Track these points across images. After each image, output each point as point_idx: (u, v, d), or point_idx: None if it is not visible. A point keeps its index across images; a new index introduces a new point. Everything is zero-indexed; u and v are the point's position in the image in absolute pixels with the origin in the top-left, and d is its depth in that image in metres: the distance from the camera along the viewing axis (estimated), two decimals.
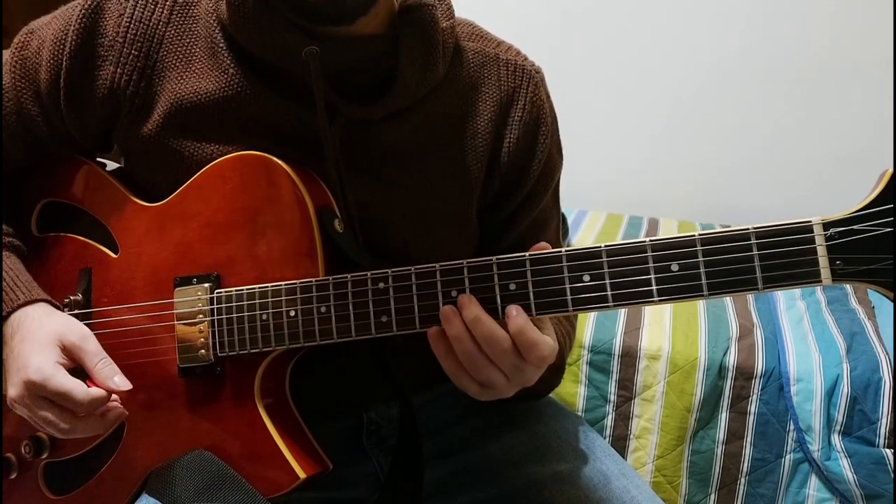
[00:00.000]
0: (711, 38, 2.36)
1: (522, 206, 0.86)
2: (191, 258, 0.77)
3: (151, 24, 0.79)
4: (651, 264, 0.64)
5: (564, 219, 1.81)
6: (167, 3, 0.79)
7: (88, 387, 0.72)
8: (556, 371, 0.85)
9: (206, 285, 0.76)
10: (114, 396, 0.74)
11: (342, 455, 0.82)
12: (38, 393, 0.71)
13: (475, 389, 0.70)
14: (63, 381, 0.71)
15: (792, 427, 1.51)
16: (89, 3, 0.79)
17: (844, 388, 1.49)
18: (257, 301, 0.74)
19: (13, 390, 0.72)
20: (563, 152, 0.91)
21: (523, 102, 0.84)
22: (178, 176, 0.78)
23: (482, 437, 0.88)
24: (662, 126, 2.46)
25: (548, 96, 0.88)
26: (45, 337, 0.74)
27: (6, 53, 0.83)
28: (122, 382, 0.73)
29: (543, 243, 0.68)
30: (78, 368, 0.74)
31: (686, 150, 2.46)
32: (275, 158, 0.75)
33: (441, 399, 0.90)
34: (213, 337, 0.75)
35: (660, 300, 0.64)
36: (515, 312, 0.66)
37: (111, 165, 0.87)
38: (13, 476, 0.84)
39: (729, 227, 0.64)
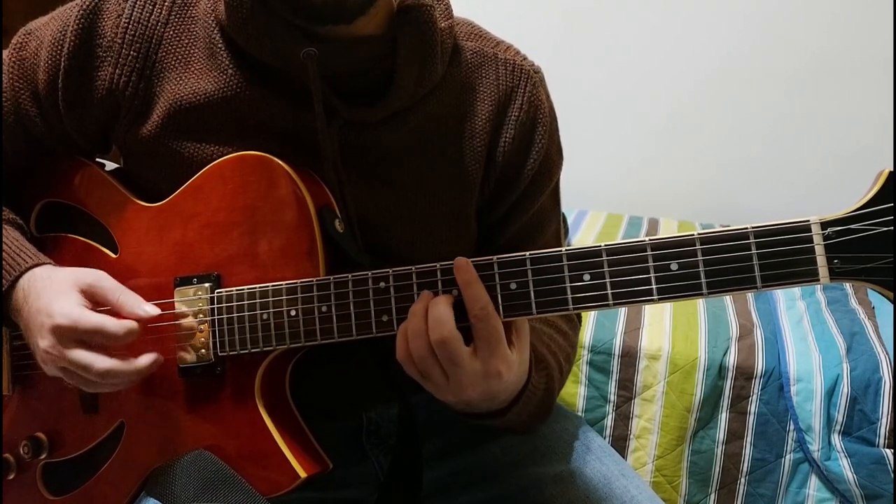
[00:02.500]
0: (711, 39, 2.36)
1: (516, 207, 0.86)
2: (191, 258, 0.78)
3: (150, 24, 0.79)
4: (651, 263, 0.65)
5: (564, 219, 1.81)
6: (165, 3, 0.79)
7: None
8: (537, 419, 0.82)
9: (207, 285, 0.76)
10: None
11: (342, 455, 0.82)
12: (70, 336, 0.70)
13: (416, 374, 0.70)
14: (92, 317, 0.71)
15: (792, 427, 1.51)
16: (87, 3, 0.79)
17: (844, 388, 1.49)
18: (258, 301, 0.74)
19: (43, 342, 0.71)
20: (564, 153, 0.91)
21: (520, 102, 0.84)
22: (178, 176, 0.79)
23: (482, 437, 0.88)
24: (662, 126, 2.46)
25: (547, 96, 0.88)
26: (61, 285, 0.73)
27: (4, 54, 0.83)
28: (150, 308, 0.73)
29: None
30: (100, 306, 0.73)
31: (686, 149, 2.46)
32: (275, 158, 0.75)
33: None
34: (214, 336, 0.75)
35: (659, 299, 0.64)
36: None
37: (110, 166, 0.87)
38: (11, 477, 0.84)
39: (728, 226, 0.64)
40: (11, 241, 0.79)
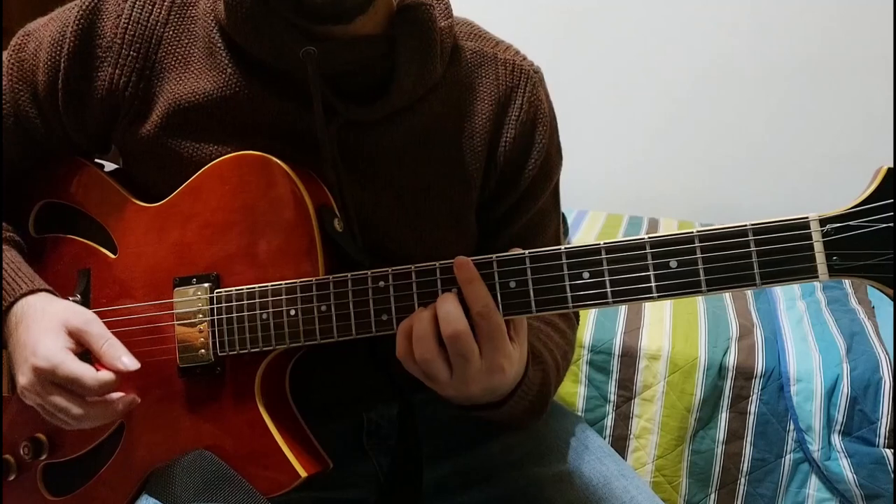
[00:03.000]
0: (711, 38, 2.37)
1: (517, 207, 0.86)
2: (190, 258, 0.78)
3: (149, 25, 0.79)
4: (650, 261, 0.65)
5: (564, 219, 1.81)
6: (165, 4, 0.80)
7: (98, 370, 0.72)
8: (532, 415, 0.82)
9: (206, 285, 0.76)
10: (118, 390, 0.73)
11: (342, 455, 0.82)
12: (49, 379, 0.71)
13: (419, 374, 0.70)
14: (72, 366, 0.71)
15: (792, 427, 1.51)
16: (87, 4, 0.79)
17: (844, 388, 1.49)
18: (257, 300, 0.74)
19: (23, 378, 0.72)
20: (564, 153, 0.91)
21: (521, 102, 0.84)
22: (177, 176, 0.79)
23: (482, 437, 0.88)
24: (662, 126, 2.46)
25: (547, 96, 0.88)
26: (50, 323, 0.73)
27: (3, 55, 0.83)
28: (129, 363, 0.72)
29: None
30: (86, 353, 0.73)
31: (686, 149, 2.47)
32: (273, 158, 0.75)
33: (441, 399, 0.90)
34: (213, 336, 0.75)
35: (659, 296, 0.64)
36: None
37: (109, 166, 0.87)
38: (12, 478, 0.83)
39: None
40: (9, 263, 0.79)
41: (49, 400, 0.71)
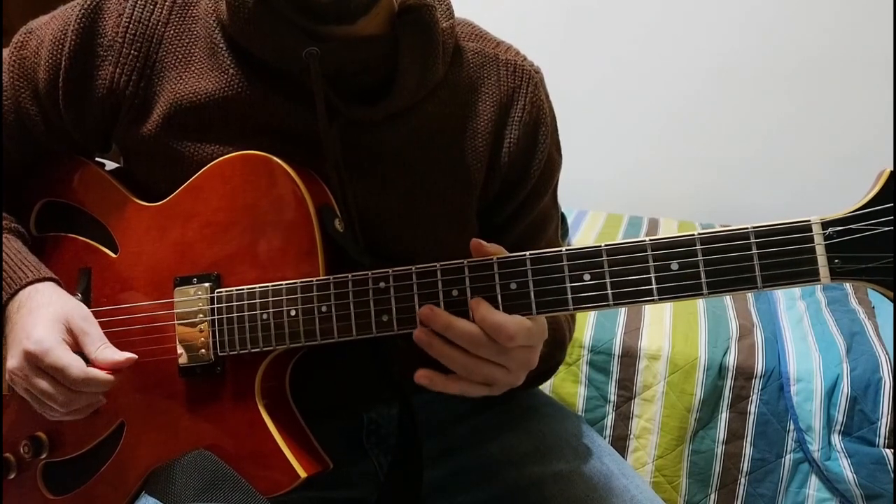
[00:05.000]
0: (711, 39, 2.36)
1: (522, 207, 0.86)
2: (191, 258, 0.78)
3: (151, 24, 0.79)
4: (651, 263, 0.65)
5: (564, 218, 1.81)
6: (166, 3, 0.80)
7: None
8: (555, 346, 0.85)
9: (207, 285, 0.76)
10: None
11: (342, 455, 0.82)
12: (37, 364, 0.71)
13: (482, 390, 0.71)
14: (61, 355, 0.71)
15: (792, 427, 1.51)
16: (88, 3, 0.79)
17: (844, 388, 1.49)
18: (258, 300, 0.74)
19: (12, 361, 0.72)
20: (564, 153, 0.91)
21: (523, 102, 0.84)
22: (178, 175, 0.79)
23: (482, 437, 0.88)
24: (662, 126, 2.46)
25: (547, 96, 0.88)
26: (52, 313, 0.74)
27: (4, 53, 0.83)
28: (112, 376, 0.72)
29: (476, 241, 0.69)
30: (79, 351, 0.73)
31: (686, 150, 2.46)
32: (274, 158, 0.75)
33: (441, 399, 0.90)
34: (214, 336, 0.75)
35: (660, 299, 0.64)
36: (475, 304, 0.67)
37: (110, 165, 0.87)
38: (12, 476, 0.83)
39: (728, 226, 0.64)
40: (14, 253, 0.79)
41: (35, 384, 0.72)
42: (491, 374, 0.69)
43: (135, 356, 0.74)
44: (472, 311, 0.67)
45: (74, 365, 0.71)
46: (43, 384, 0.71)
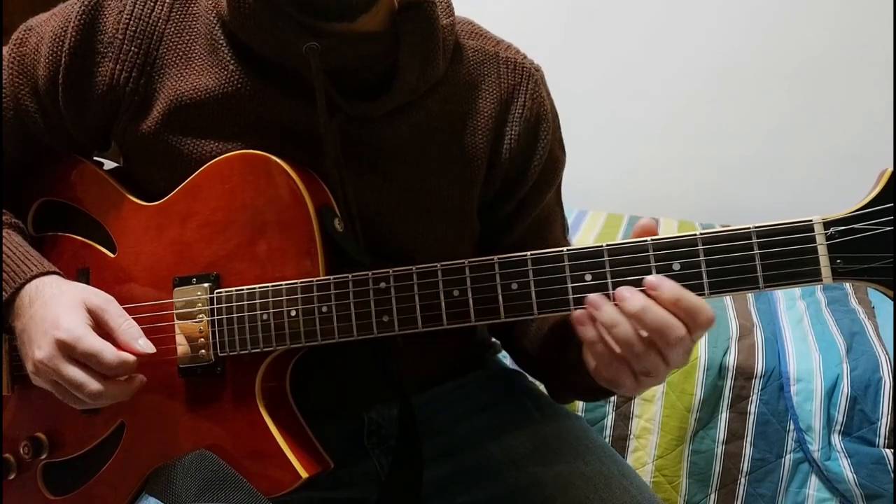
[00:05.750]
0: (712, 38, 2.36)
1: (524, 204, 0.86)
2: (190, 257, 0.77)
3: (151, 21, 0.79)
4: (652, 263, 0.64)
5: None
6: (167, 0, 0.79)
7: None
8: None
9: (206, 285, 0.76)
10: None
11: (343, 455, 0.82)
12: (69, 353, 0.70)
13: (630, 383, 0.66)
14: (94, 341, 0.70)
15: (792, 427, 1.51)
16: (89, 0, 0.79)
17: (844, 388, 1.48)
18: (258, 301, 0.74)
19: (40, 352, 0.71)
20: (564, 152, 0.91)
21: (524, 99, 0.84)
22: (177, 174, 0.78)
23: (482, 437, 0.88)
24: (663, 126, 2.46)
25: (548, 94, 0.88)
26: (71, 300, 0.73)
27: (4, 50, 0.83)
28: (145, 345, 0.73)
29: None
30: (104, 334, 0.73)
31: (686, 150, 2.46)
32: (274, 157, 0.75)
33: (441, 399, 0.90)
34: (214, 337, 0.75)
35: None
36: (658, 281, 0.63)
37: (108, 164, 0.87)
38: (12, 477, 0.83)
39: (729, 226, 0.64)
40: (16, 247, 0.79)
41: (66, 374, 0.70)
42: (655, 366, 0.65)
43: (154, 348, 0.73)
44: (657, 292, 0.62)
45: (107, 350, 0.70)
46: (75, 372, 0.70)
